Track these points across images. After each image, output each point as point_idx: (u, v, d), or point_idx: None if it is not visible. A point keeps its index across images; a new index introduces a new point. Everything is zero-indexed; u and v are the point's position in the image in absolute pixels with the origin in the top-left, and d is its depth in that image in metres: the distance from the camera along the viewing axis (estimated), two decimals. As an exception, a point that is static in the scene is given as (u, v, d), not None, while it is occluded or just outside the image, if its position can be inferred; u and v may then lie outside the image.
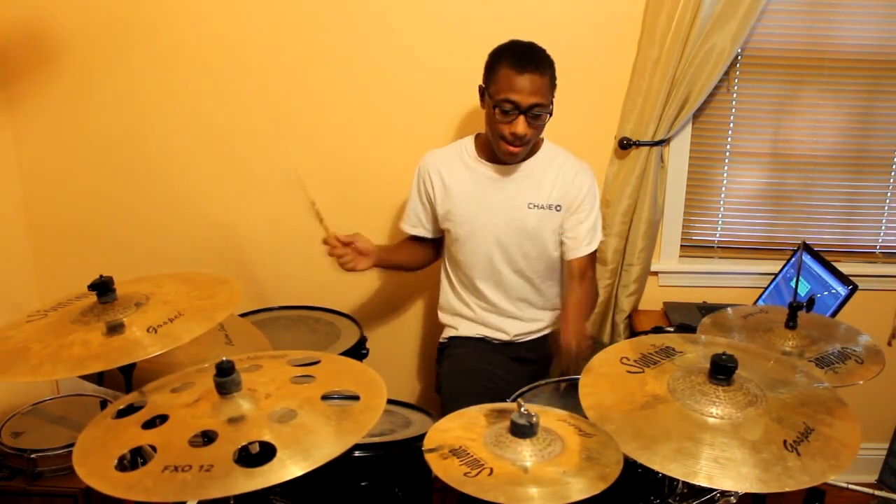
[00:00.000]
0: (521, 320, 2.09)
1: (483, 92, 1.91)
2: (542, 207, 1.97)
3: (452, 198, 2.01)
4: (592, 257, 2.03)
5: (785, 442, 1.12)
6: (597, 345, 2.10)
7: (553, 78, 1.87)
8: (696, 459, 1.09)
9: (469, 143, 2.04)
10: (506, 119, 1.84)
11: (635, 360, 1.33)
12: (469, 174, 2.00)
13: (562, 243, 2.01)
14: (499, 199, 1.98)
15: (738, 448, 1.10)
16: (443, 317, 2.17)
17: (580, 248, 1.98)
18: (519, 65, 1.81)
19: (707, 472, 1.07)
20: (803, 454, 1.11)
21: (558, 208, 1.99)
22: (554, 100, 1.88)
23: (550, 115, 1.88)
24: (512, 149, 1.88)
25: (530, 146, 1.93)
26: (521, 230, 1.98)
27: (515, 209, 1.98)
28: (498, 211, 1.98)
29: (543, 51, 1.87)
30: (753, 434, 1.14)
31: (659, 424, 1.16)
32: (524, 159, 1.97)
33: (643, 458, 1.10)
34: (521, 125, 1.83)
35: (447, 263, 2.13)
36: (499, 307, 2.07)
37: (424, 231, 2.12)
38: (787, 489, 1.06)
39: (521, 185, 1.98)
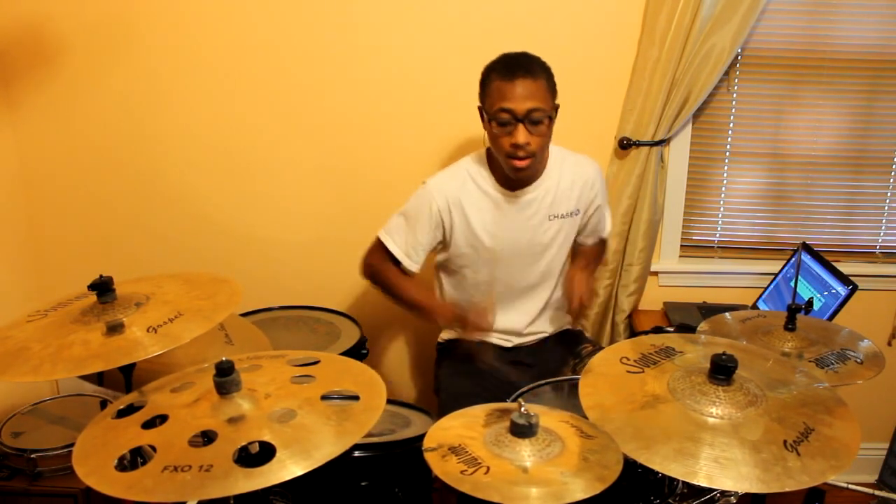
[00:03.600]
0: (524, 335, 2.05)
1: (482, 112, 1.85)
2: (563, 216, 1.94)
3: (475, 228, 1.89)
4: None
5: (785, 442, 1.12)
6: (596, 348, 2.10)
7: (549, 82, 1.78)
8: (696, 459, 1.09)
9: (481, 165, 1.91)
10: (504, 131, 1.76)
11: (635, 360, 1.33)
12: (488, 201, 1.89)
13: (580, 231, 2.05)
14: (520, 219, 1.91)
15: (738, 448, 1.10)
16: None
17: (602, 234, 2.09)
18: (508, 73, 1.74)
19: (707, 472, 1.07)
20: (803, 454, 1.11)
21: (576, 213, 1.97)
22: (557, 105, 1.81)
23: (552, 119, 1.79)
24: (517, 163, 1.78)
25: (537, 158, 1.81)
26: (540, 244, 1.94)
27: (537, 225, 1.92)
28: (520, 233, 1.91)
29: (535, 57, 1.79)
30: (753, 434, 1.14)
31: (659, 424, 1.16)
32: (534, 180, 1.89)
33: (643, 458, 1.10)
34: (521, 134, 1.73)
35: (446, 288, 2.05)
36: (507, 321, 2.02)
37: (419, 267, 1.95)
38: (787, 489, 1.06)
39: (542, 201, 1.90)
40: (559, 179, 1.92)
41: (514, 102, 1.73)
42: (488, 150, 1.91)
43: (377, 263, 1.97)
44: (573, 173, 1.94)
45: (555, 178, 1.92)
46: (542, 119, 1.75)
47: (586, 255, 2.07)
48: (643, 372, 1.29)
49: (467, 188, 1.89)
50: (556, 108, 1.81)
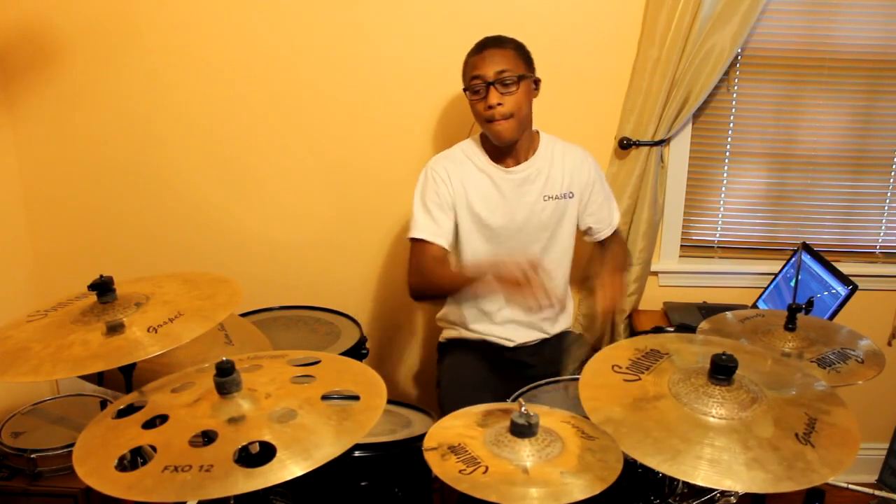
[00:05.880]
0: (525, 327, 2.05)
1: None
2: (557, 197, 1.98)
3: (474, 203, 1.94)
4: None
5: (797, 435, 1.13)
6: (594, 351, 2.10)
7: (519, 52, 1.88)
8: (722, 465, 1.08)
9: (475, 146, 1.98)
10: (479, 97, 1.85)
11: (627, 368, 1.32)
12: (485, 178, 1.95)
13: (588, 229, 2.07)
14: (516, 196, 1.95)
15: (758, 449, 1.11)
16: (442, 324, 2.15)
17: (610, 228, 2.09)
18: (478, 48, 1.88)
19: (738, 476, 1.07)
20: (817, 445, 1.12)
21: (570, 195, 1.99)
22: (538, 79, 1.87)
23: (526, 82, 1.84)
24: (495, 125, 1.85)
25: (518, 123, 1.86)
26: (538, 224, 1.97)
27: (533, 204, 1.96)
28: (517, 210, 1.95)
29: (506, 36, 1.90)
30: (766, 431, 1.14)
31: (676, 434, 1.15)
32: (526, 158, 1.95)
33: (672, 471, 1.08)
34: (492, 95, 1.82)
35: None
36: (506, 312, 2.03)
37: (448, 242, 1.95)
38: (814, 484, 1.05)
39: (535, 180, 1.96)
40: (551, 161, 1.99)
41: (483, 69, 1.84)
42: (482, 133, 1.98)
43: (413, 270, 1.93)
44: (563, 156, 2.01)
45: (547, 158, 1.98)
46: (512, 80, 1.83)
47: (614, 257, 2.05)
48: (640, 379, 1.28)
49: (465, 165, 1.97)
50: (535, 80, 1.90)
